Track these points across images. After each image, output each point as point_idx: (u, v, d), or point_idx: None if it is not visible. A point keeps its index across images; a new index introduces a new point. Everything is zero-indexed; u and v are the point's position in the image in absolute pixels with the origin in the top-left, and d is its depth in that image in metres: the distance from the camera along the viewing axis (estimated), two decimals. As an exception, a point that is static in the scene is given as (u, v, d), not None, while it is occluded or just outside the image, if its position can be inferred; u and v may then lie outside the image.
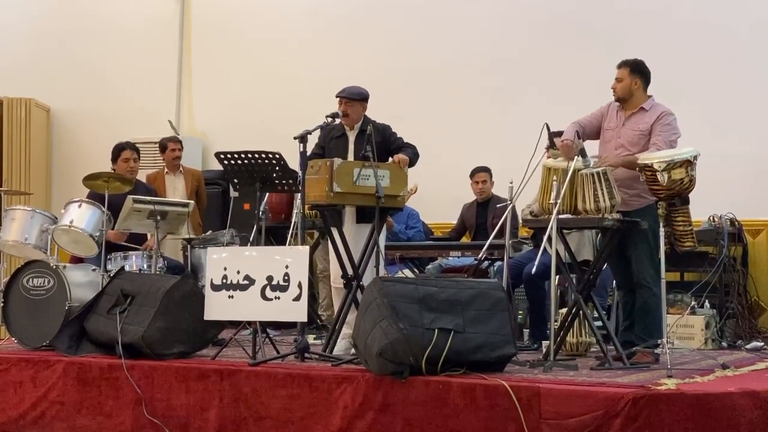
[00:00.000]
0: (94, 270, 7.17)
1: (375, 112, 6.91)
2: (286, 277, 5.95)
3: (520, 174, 6.37)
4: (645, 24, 9.14)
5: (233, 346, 6.56)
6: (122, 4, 11.42)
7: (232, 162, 6.53)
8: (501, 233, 6.98)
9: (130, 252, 7.41)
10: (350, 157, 6.70)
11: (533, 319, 7.43)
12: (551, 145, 6.71)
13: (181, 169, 9.12)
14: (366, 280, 6.25)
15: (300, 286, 5.91)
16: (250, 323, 6.36)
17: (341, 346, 6.45)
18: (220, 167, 6.77)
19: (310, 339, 7.32)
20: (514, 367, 5.68)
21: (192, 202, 7.81)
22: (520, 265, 7.39)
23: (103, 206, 7.15)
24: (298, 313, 5.95)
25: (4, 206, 7.99)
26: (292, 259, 5.98)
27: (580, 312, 6.28)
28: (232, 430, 5.77)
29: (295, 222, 7.53)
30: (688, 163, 5.77)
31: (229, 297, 6.11)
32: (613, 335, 6.24)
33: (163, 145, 9.20)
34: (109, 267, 7.17)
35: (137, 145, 8.32)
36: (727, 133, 8.61)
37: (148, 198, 7.36)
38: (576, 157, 5.98)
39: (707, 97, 8.70)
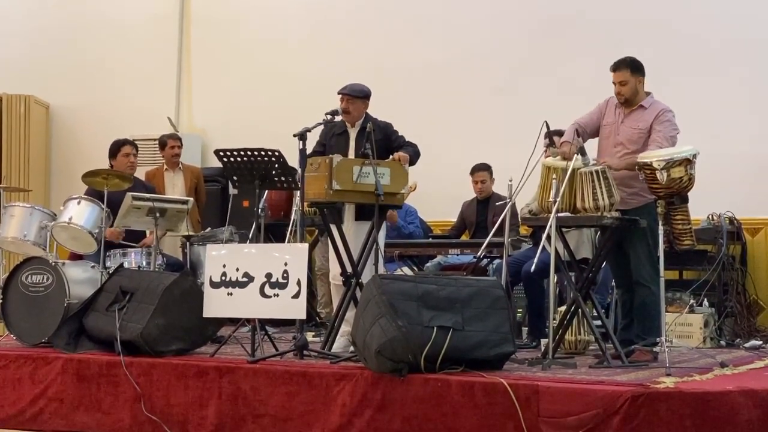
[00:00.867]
0: (93, 267, 7.17)
1: (375, 110, 6.91)
2: (285, 275, 5.95)
3: (519, 172, 6.37)
4: (644, 22, 9.13)
5: (232, 344, 6.57)
6: (122, 1, 11.41)
7: (232, 159, 6.52)
8: (500, 231, 6.99)
9: (129, 249, 7.41)
10: (351, 154, 6.69)
11: (532, 317, 7.44)
12: (550, 144, 6.72)
13: (180, 166, 9.13)
14: (365, 277, 6.25)
15: (299, 283, 5.91)
16: (248, 320, 6.36)
17: (340, 344, 6.45)
18: (219, 164, 6.77)
19: (309, 336, 7.32)
20: (513, 365, 5.68)
21: (191, 199, 7.80)
22: (519, 263, 7.39)
23: (102, 203, 7.15)
24: (297, 310, 5.95)
25: (3, 203, 7.98)
26: (291, 257, 5.98)
27: (579, 310, 6.28)
28: (230, 428, 5.77)
29: (294, 219, 7.53)
30: (688, 162, 5.77)
31: (228, 294, 6.11)
32: (612, 333, 6.23)
33: (162, 142, 9.21)
34: (108, 264, 7.17)
35: (136, 142, 8.34)
36: (727, 132, 8.61)
37: (147, 195, 7.37)
38: (575, 155, 5.98)
39: (707, 95, 8.69)
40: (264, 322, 6.45)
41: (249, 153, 6.46)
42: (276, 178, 6.56)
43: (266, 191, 7.36)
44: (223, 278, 6.13)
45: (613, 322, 7.07)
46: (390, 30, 10.17)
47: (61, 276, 6.87)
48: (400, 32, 10.13)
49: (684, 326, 7.62)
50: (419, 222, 9.01)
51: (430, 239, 9.04)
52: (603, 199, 5.93)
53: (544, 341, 6.48)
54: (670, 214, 5.89)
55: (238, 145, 6.57)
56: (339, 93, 6.80)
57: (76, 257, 7.71)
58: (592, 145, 6.38)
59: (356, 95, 6.77)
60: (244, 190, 7.37)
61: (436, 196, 9.25)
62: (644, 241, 6.13)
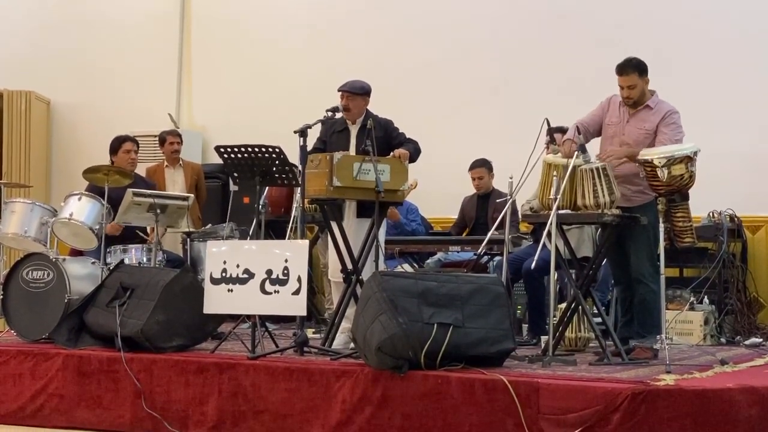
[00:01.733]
0: (93, 263, 7.17)
1: (376, 109, 6.90)
2: (285, 271, 5.95)
3: (520, 169, 6.36)
4: (644, 19, 9.13)
5: (232, 340, 6.57)
6: (123, -1, 11.44)
7: (232, 156, 6.52)
8: (501, 228, 6.98)
9: (130, 245, 7.41)
10: (352, 151, 6.69)
11: (532, 315, 7.43)
12: (551, 141, 6.71)
13: (180, 162, 9.13)
14: (365, 274, 6.25)
15: (299, 280, 5.91)
16: (249, 317, 6.36)
17: (340, 341, 6.45)
18: (219, 161, 6.77)
19: (309, 333, 7.32)
20: (513, 362, 5.68)
21: (191, 195, 7.80)
22: (520, 260, 7.39)
23: (103, 199, 7.15)
24: (298, 307, 5.95)
25: (3, 199, 7.99)
26: (291, 253, 5.98)
27: (579, 307, 6.28)
28: (230, 424, 5.77)
29: (294, 216, 7.53)
30: (689, 159, 5.77)
31: (229, 291, 6.11)
32: (612, 331, 6.24)
33: (162, 139, 9.22)
34: (108, 260, 7.18)
35: (137, 139, 8.34)
36: (728, 129, 8.60)
37: (148, 191, 7.37)
38: (576, 153, 5.97)
39: (708, 92, 8.69)
40: (264, 319, 6.45)
41: (249, 149, 6.46)
42: (276, 175, 6.56)
43: (267, 188, 7.36)
44: (224, 275, 6.13)
45: (613, 320, 7.06)
46: (389, 26, 10.16)
47: (62, 272, 6.87)
48: (399, 28, 10.12)
49: (684, 324, 7.62)
50: (421, 220, 9.02)
51: (431, 236, 9.04)
52: (603, 196, 5.93)
53: (544, 338, 6.48)
54: (670, 211, 5.88)
55: (238, 142, 6.57)
56: (339, 90, 6.80)
57: (76, 253, 7.73)
58: (595, 145, 6.37)
59: (356, 92, 6.77)
60: (245, 187, 7.36)
61: (437, 193, 9.26)
62: (645, 239, 6.14)
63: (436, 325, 5.27)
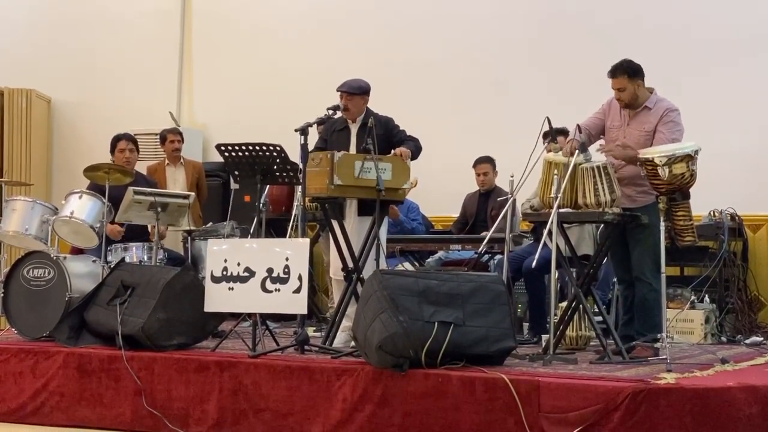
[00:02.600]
0: (94, 261, 7.18)
1: (376, 108, 6.90)
2: (286, 270, 5.96)
3: (520, 168, 6.35)
4: (644, 18, 9.13)
5: (233, 338, 6.57)
6: (124, -4, 11.44)
7: (233, 154, 6.52)
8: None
9: (131, 243, 7.41)
10: (353, 150, 6.69)
11: (533, 313, 7.44)
12: (552, 140, 6.70)
13: (181, 160, 9.12)
14: (366, 272, 6.25)
15: (300, 278, 5.92)
16: (249, 315, 6.37)
17: (341, 339, 6.46)
18: (220, 159, 6.76)
19: (310, 331, 7.32)
20: (514, 360, 5.68)
21: (192, 194, 7.81)
22: (520, 258, 7.40)
23: (104, 198, 7.15)
24: (298, 305, 5.96)
25: (4, 197, 8.00)
26: (292, 252, 5.99)
27: (580, 306, 6.28)
28: (231, 422, 5.78)
29: (295, 214, 7.53)
30: (689, 158, 5.77)
31: (230, 289, 6.12)
32: (613, 329, 6.24)
33: (162, 137, 9.21)
34: (109, 258, 7.18)
35: (137, 137, 8.33)
36: (728, 128, 8.60)
37: (149, 189, 7.37)
38: (576, 151, 5.97)
39: (708, 91, 8.69)
40: (265, 317, 6.45)
41: (250, 148, 6.46)
42: (277, 173, 6.56)
43: (267, 186, 7.36)
44: (225, 273, 6.14)
45: (614, 318, 7.07)
46: (390, 25, 10.16)
47: (63, 270, 6.87)
48: (400, 27, 10.12)
49: (685, 322, 7.62)
50: (422, 218, 9.02)
51: (432, 235, 9.04)
52: (604, 194, 5.93)
53: (545, 337, 6.48)
54: (671, 210, 5.88)
55: (239, 140, 6.57)
56: (337, 90, 6.80)
57: (77, 251, 7.73)
58: (596, 148, 6.37)
59: (354, 92, 6.76)
60: (246, 185, 7.35)
61: (437, 192, 9.26)
62: (647, 238, 6.13)
63: (436, 324, 5.27)
